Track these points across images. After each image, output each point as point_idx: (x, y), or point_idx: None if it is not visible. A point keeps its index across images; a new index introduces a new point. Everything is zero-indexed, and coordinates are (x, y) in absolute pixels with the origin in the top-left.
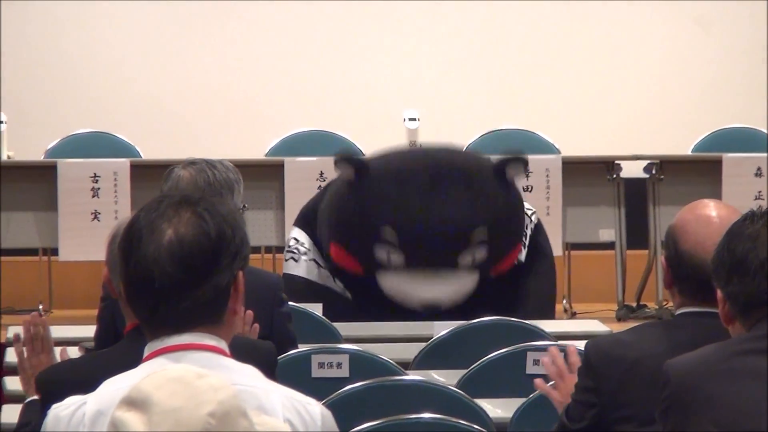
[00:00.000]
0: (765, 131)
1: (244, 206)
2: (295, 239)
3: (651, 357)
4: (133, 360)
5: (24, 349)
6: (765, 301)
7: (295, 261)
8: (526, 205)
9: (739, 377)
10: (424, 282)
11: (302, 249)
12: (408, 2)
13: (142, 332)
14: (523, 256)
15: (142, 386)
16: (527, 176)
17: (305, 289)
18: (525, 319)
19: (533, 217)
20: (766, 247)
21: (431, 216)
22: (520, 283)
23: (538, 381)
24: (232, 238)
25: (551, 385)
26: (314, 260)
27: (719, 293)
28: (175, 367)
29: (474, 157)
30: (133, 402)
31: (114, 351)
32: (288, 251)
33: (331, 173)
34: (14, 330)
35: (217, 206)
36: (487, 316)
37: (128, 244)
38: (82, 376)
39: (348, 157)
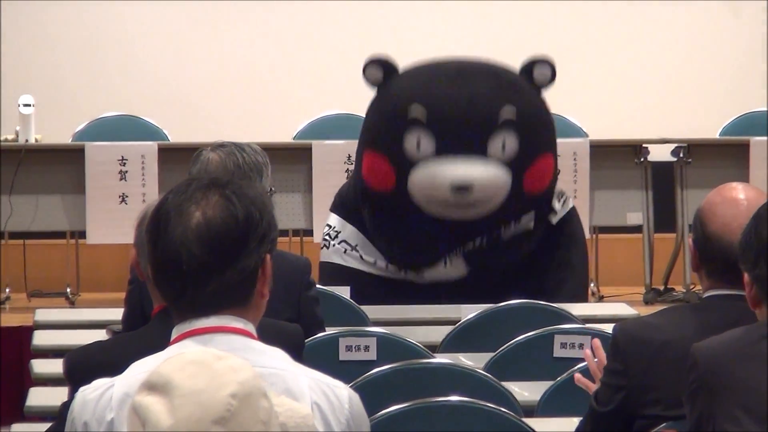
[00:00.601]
0: None
1: (271, 189)
2: (328, 225)
3: (679, 340)
4: (160, 342)
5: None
6: None
7: (327, 248)
8: (561, 189)
9: (766, 361)
10: (454, 163)
11: (332, 234)
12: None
13: (169, 314)
14: (556, 215)
15: (162, 370)
16: (552, 82)
17: (337, 274)
18: None
19: (569, 201)
20: None
21: (460, 94)
22: (552, 272)
23: (577, 375)
24: (260, 221)
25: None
26: (344, 241)
27: (746, 276)
28: (194, 350)
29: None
30: (153, 386)
31: (141, 333)
32: (323, 239)
33: None
34: (42, 313)
35: (245, 189)
36: (516, 299)
37: (156, 227)
38: (110, 359)
39: (377, 59)
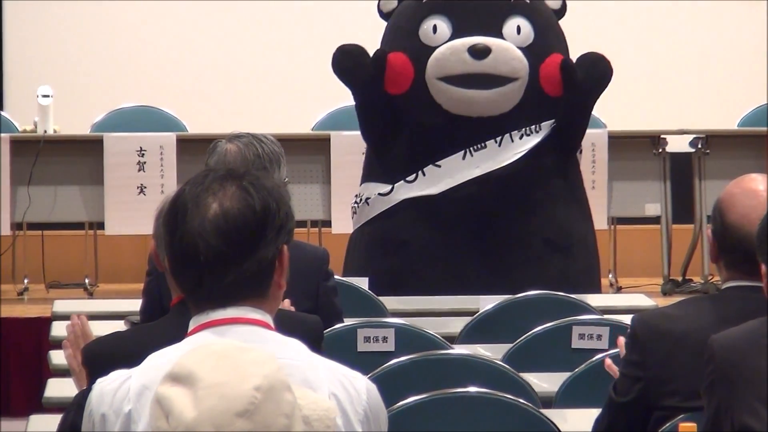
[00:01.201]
0: None
1: (286, 180)
2: (356, 196)
3: (697, 331)
4: (178, 334)
5: (71, 350)
6: None
7: (355, 213)
8: None
9: None
10: (474, 36)
11: (358, 200)
12: None
13: (187, 306)
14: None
15: (185, 361)
16: (562, 13)
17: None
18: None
19: None
20: None
21: None
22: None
23: (608, 361)
24: (277, 211)
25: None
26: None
27: (763, 268)
28: (218, 342)
29: None
30: (177, 377)
31: (159, 325)
32: (352, 212)
33: None
34: (60, 304)
35: (262, 180)
36: (533, 289)
37: (173, 218)
38: (128, 350)
39: None
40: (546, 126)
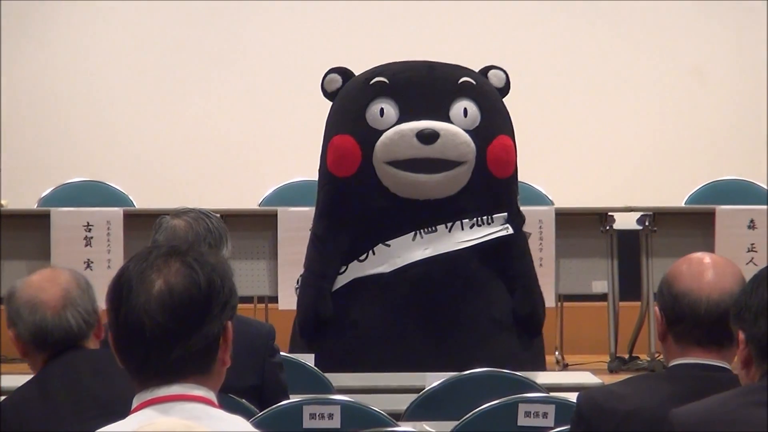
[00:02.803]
0: (759, 183)
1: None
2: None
3: (644, 409)
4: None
5: None
6: None
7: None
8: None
9: (744, 429)
10: (422, 120)
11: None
12: (397, 55)
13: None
14: (508, 228)
15: None
16: (507, 89)
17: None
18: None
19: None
20: None
21: (421, 65)
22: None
23: None
24: (221, 287)
25: None
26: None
27: (740, 335)
28: (163, 420)
29: None
30: None
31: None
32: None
33: None
34: (8, 379)
35: (205, 256)
36: (479, 367)
37: (118, 295)
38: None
39: (334, 68)
40: (498, 218)
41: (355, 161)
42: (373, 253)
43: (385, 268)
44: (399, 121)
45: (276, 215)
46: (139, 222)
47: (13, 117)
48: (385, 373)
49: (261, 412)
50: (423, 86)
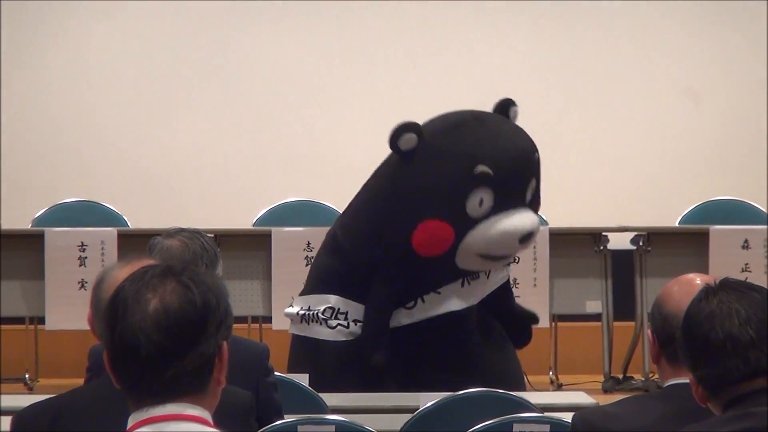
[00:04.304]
0: (753, 203)
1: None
2: (330, 307)
3: (638, 430)
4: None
5: None
6: (735, 379)
7: (317, 324)
8: None
9: None
10: (518, 216)
11: (332, 313)
12: (393, 78)
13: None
14: None
15: None
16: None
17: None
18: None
19: None
20: (724, 323)
21: (515, 148)
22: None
23: None
24: (216, 307)
25: None
26: (354, 320)
27: (691, 377)
28: None
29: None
30: None
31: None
32: (312, 317)
33: (318, 243)
34: (8, 399)
35: (201, 276)
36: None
37: (113, 314)
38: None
39: (405, 124)
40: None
41: (446, 247)
42: (423, 301)
43: (432, 313)
44: (494, 210)
45: (270, 235)
46: (133, 242)
47: (7, 137)
48: (379, 393)
49: None
50: (519, 173)
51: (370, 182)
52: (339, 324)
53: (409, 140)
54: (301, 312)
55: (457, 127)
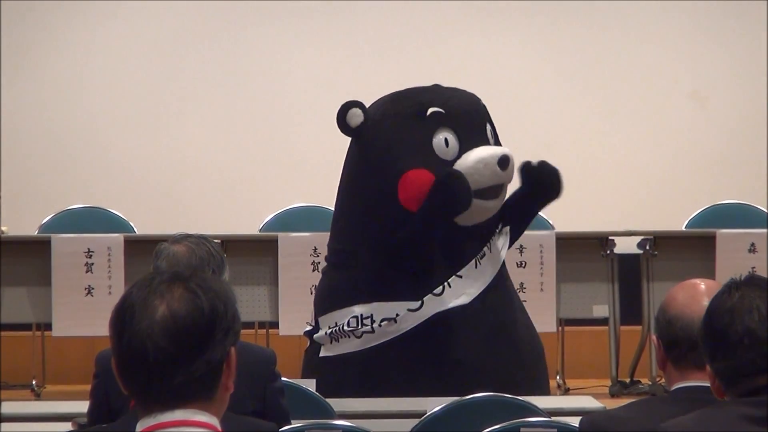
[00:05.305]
0: (760, 207)
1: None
2: (355, 317)
3: None
4: None
5: None
6: (751, 372)
7: (357, 337)
8: None
9: None
10: (486, 147)
11: (365, 320)
12: (401, 81)
13: None
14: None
15: None
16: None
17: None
18: None
19: None
20: (744, 318)
21: (457, 92)
22: None
23: None
24: (224, 313)
25: None
26: (395, 315)
27: (708, 369)
28: None
29: None
30: None
31: (114, 427)
32: (358, 329)
33: (325, 248)
34: (7, 406)
35: (209, 282)
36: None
37: (121, 320)
38: None
39: (345, 103)
40: (505, 230)
41: (427, 213)
42: (449, 286)
43: (464, 299)
44: (462, 150)
45: (277, 240)
46: (139, 248)
47: (13, 143)
48: (386, 398)
49: None
50: (470, 113)
51: (341, 183)
52: (365, 332)
53: (355, 114)
54: (329, 331)
55: (399, 94)
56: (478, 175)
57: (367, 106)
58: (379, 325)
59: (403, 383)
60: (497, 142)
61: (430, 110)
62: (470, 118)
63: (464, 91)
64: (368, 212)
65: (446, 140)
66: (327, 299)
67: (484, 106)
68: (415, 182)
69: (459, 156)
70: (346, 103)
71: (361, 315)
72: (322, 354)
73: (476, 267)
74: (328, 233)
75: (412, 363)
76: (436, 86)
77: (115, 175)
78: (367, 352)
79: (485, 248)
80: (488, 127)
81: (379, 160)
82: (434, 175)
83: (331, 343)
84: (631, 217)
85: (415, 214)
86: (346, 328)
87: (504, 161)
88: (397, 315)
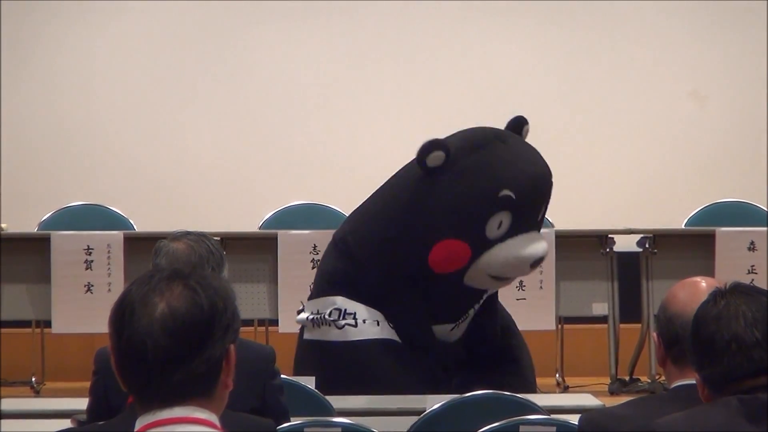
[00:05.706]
0: (759, 205)
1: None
2: (337, 309)
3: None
4: None
5: None
6: (739, 376)
7: (354, 327)
8: None
9: None
10: (531, 240)
11: (343, 314)
12: (400, 82)
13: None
14: None
15: None
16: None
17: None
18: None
19: None
20: (731, 324)
21: (536, 174)
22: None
23: None
24: (224, 310)
25: None
26: (376, 321)
27: (697, 377)
28: None
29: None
30: None
31: (112, 424)
32: (321, 321)
33: (324, 246)
34: (7, 402)
35: (208, 279)
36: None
37: (120, 318)
38: None
39: (435, 142)
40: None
41: (460, 266)
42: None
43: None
44: (510, 232)
45: (276, 238)
46: (139, 245)
47: (13, 140)
48: (385, 396)
49: None
50: (537, 200)
51: (387, 191)
52: (347, 324)
53: (437, 158)
54: (311, 317)
55: (482, 149)
56: (510, 268)
57: (447, 136)
58: (363, 323)
59: (386, 381)
60: (542, 219)
61: (502, 193)
62: (533, 204)
63: (542, 165)
64: (395, 241)
65: (501, 223)
66: (315, 285)
67: (552, 184)
68: (450, 252)
69: (504, 237)
70: (435, 142)
71: (344, 309)
72: (305, 336)
73: (450, 330)
74: (328, 231)
75: (396, 362)
76: (516, 147)
77: (115, 172)
78: (350, 344)
79: (471, 310)
80: (545, 205)
81: (433, 210)
82: (471, 252)
83: (312, 328)
84: (630, 216)
85: (434, 277)
86: (327, 317)
87: (537, 263)
88: (378, 322)
